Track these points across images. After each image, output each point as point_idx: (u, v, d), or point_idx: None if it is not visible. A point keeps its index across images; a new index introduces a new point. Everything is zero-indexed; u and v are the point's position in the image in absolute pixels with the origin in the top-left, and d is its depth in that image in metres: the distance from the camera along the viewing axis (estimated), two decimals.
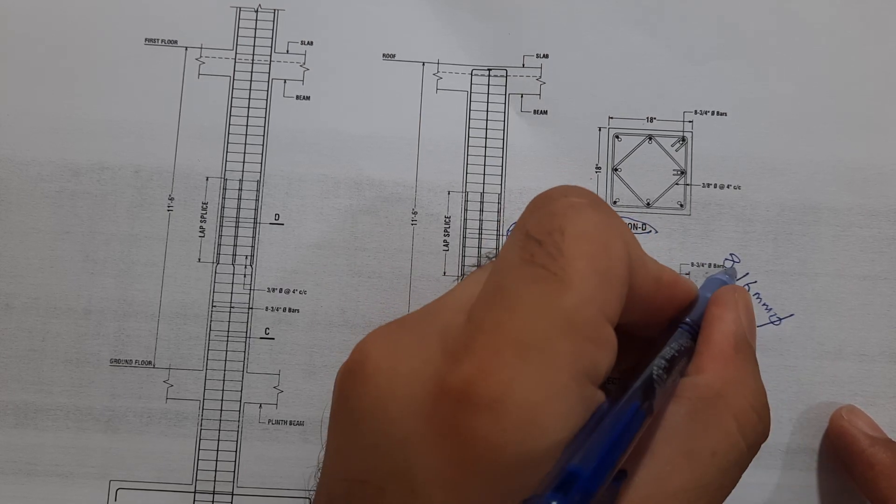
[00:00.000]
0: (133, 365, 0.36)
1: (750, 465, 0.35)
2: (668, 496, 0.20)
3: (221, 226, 0.37)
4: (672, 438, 0.21)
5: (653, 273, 0.24)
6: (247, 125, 0.38)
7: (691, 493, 0.20)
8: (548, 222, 0.21)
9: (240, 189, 0.38)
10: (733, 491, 0.35)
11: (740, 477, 0.23)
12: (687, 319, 0.27)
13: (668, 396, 0.23)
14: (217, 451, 0.36)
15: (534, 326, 0.19)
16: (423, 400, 0.18)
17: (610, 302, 0.20)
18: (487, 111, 0.38)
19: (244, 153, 0.38)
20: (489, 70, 0.38)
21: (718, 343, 0.24)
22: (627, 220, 0.37)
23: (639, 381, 0.22)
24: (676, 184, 0.38)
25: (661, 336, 0.27)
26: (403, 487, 0.18)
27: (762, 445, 0.25)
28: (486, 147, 0.38)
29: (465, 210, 0.38)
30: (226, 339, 0.37)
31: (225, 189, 0.38)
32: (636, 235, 0.37)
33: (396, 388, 0.19)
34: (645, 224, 0.37)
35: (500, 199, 0.38)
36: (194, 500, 0.36)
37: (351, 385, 0.20)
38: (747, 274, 0.37)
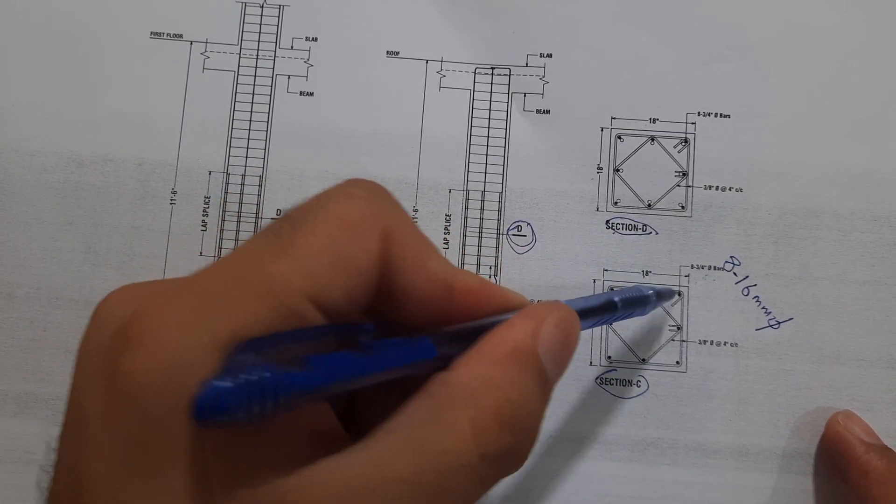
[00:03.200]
0: None
1: (746, 467, 0.36)
2: (379, 483, 0.18)
3: (223, 220, 0.37)
4: (404, 427, 0.19)
5: (437, 277, 0.22)
6: (250, 120, 0.38)
7: (406, 488, 0.18)
8: (313, 202, 0.21)
9: (242, 184, 0.38)
10: (729, 492, 0.36)
11: (478, 493, 0.20)
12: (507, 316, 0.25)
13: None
14: None
15: (223, 279, 0.19)
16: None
17: (329, 287, 0.19)
18: (490, 110, 0.38)
19: (247, 148, 0.38)
20: (492, 69, 0.39)
21: (491, 343, 0.21)
22: (628, 222, 0.37)
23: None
24: (678, 185, 0.38)
25: None
26: (78, 429, 0.18)
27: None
28: (488, 146, 0.38)
29: (466, 209, 0.38)
30: None
31: (227, 183, 0.38)
32: (636, 237, 0.37)
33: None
34: (646, 225, 0.37)
35: (501, 198, 0.38)
36: None
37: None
38: (747, 277, 0.37)
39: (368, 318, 0.22)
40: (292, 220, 0.20)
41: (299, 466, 0.18)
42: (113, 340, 0.18)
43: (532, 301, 0.24)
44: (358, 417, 0.23)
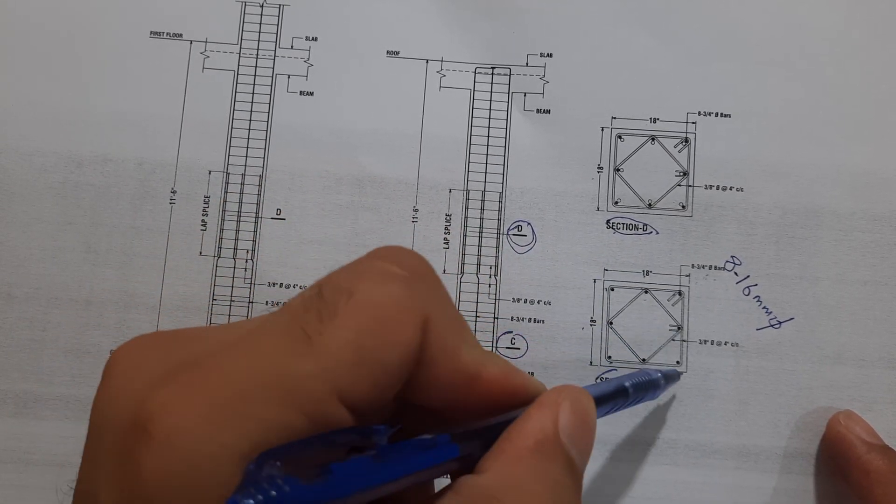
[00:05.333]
0: None
1: (747, 467, 0.36)
2: None
3: (223, 220, 0.37)
4: None
5: (465, 368, 0.21)
6: (250, 120, 0.38)
7: None
8: (344, 279, 0.19)
9: (242, 183, 0.38)
10: (729, 492, 0.36)
11: None
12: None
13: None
14: None
15: (245, 380, 0.17)
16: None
17: (357, 385, 0.18)
18: (490, 109, 0.38)
19: (247, 147, 0.38)
20: (493, 68, 0.38)
21: (512, 440, 0.20)
22: (629, 221, 0.37)
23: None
24: (679, 185, 0.38)
25: None
26: None
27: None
28: (488, 145, 0.38)
29: (466, 208, 0.38)
30: None
31: (227, 183, 0.38)
32: (637, 237, 0.37)
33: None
34: (646, 225, 0.37)
35: (501, 197, 0.38)
36: None
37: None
38: (748, 276, 0.37)
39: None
40: (319, 308, 0.19)
41: None
42: (131, 432, 0.17)
43: (543, 385, 0.24)
44: None
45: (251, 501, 0.15)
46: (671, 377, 0.35)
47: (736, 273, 0.37)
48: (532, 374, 0.36)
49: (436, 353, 0.20)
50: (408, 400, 0.21)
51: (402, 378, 0.19)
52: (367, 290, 0.19)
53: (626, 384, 0.29)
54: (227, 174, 0.38)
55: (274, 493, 0.15)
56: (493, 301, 0.37)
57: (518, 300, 0.37)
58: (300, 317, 0.18)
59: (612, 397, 0.28)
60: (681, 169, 0.38)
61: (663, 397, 0.36)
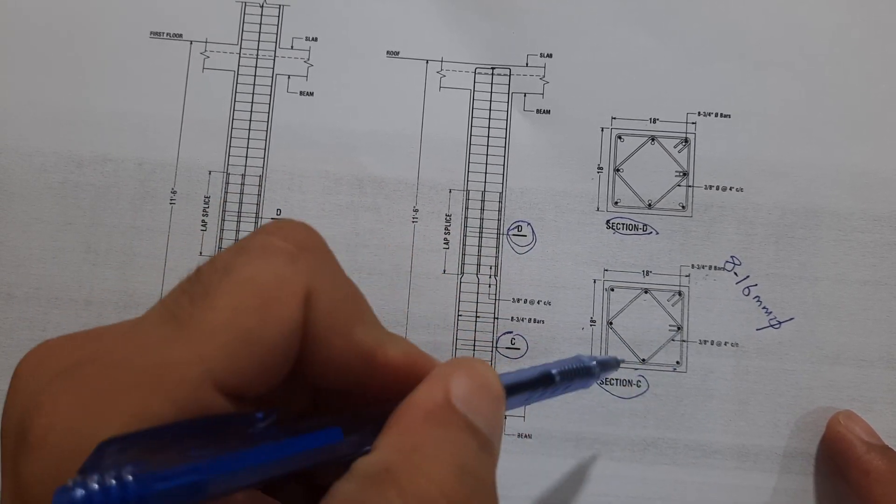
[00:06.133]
0: None
1: (746, 467, 0.36)
2: None
3: (223, 220, 0.37)
4: None
5: (360, 347, 0.20)
6: (250, 120, 0.38)
7: None
8: (224, 258, 0.18)
9: (242, 183, 0.38)
10: (729, 492, 0.36)
11: None
12: None
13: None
14: None
15: (115, 373, 0.17)
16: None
17: (235, 367, 0.17)
18: (490, 110, 0.38)
19: (247, 148, 0.38)
20: (493, 69, 0.38)
21: (402, 415, 0.19)
22: (629, 221, 0.37)
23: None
24: (678, 185, 0.38)
25: None
26: None
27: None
28: (488, 146, 0.38)
29: (466, 209, 0.38)
30: None
31: (227, 183, 0.38)
32: (637, 237, 0.37)
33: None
34: (646, 225, 0.37)
35: (501, 198, 0.38)
36: None
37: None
38: (748, 276, 0.37)
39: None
40: (192, 292, 0.18)
41: None
42: (15, 437, 0.16)
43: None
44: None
45: (78, 492, 0.14)
46: (608, 364, 0.33)
47: (736, 273, 0.37)
48: None
49: (324, 330, 0.19)
50: (306, 382, 0.20)
51: (288, 358, 0.18)
52: (243, 266, 0.18)
53: (553, 371, 0.28)
54: (227, 174, 0.38)
55: (110, 480, 0.14)
56: (493, 301, 0.37)
57: (518, 300, 0.37)
58: (174, 301, 0.18)
59: (537, 383, 0.27)
60: (681, 169, 0.38)
61: (664, 397, 0.36)
